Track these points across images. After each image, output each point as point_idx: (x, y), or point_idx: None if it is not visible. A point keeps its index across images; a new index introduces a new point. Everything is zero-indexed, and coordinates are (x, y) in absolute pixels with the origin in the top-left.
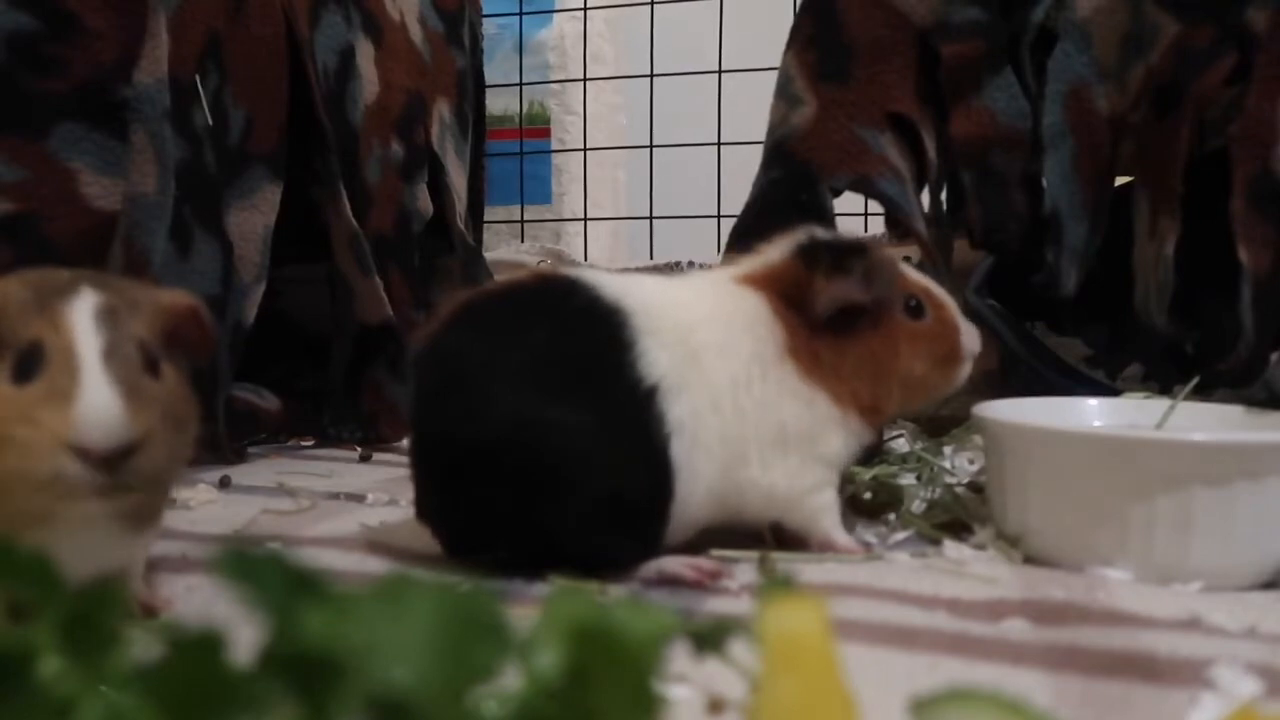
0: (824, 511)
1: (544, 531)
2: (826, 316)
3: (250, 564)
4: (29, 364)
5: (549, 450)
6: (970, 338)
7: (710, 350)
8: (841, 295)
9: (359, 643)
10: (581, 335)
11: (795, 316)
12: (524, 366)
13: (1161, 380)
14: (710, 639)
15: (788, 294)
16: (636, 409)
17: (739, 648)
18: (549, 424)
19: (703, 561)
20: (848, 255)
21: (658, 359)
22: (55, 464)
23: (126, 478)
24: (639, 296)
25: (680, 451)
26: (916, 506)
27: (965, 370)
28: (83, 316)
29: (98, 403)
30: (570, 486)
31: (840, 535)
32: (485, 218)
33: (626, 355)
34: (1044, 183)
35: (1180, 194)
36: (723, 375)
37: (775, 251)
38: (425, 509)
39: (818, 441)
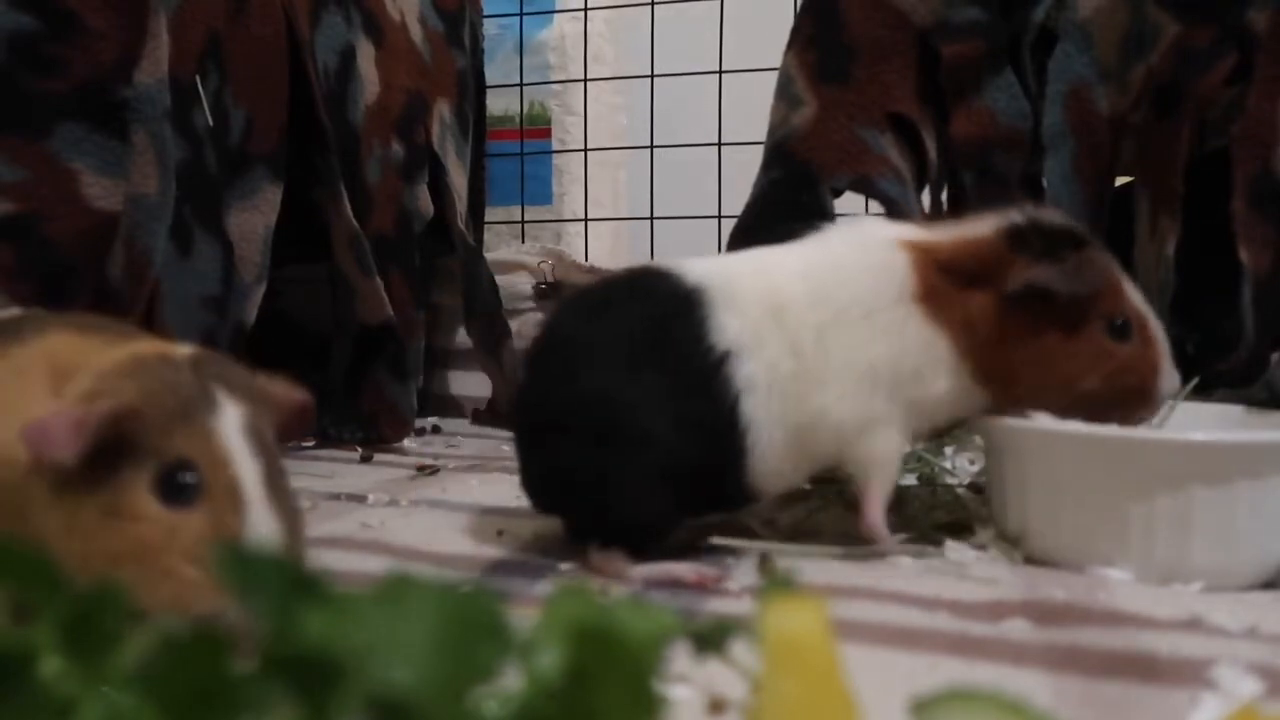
0: (882, 466)
1: (611, 494)
2: (1013, 296)
3: (250, 564)
4: (179, 485)
5: (617, 420)
6: (1169, 382)
7: (798, 301)
8: (1039, 280)
9: (359, 643)
10: (659, 316)
11: (941, 277)
12: (606, 346)
13: None
14: (711, 639)
15: (969, 270)
16: (706, 378)
17: (740, 648)
18: (619, 397)
19: (704, 567)
20: (1061, 244)
21: (728, 325)
22: (217, 607)
23: None
24: (722, 273)
25: (753, 407)
26: (918, 507)
27: (1152, 412)
28: (234, 435)
29: (265, 540)
30: (636, 453)
31: (879, 513)
32: (486, 218)
33: (699, 330)
34: (1044, 183)
35: (1180, 194)
36: (809, 321)
37: (977, 226)
38: (524, 479)
39: (913, 384)
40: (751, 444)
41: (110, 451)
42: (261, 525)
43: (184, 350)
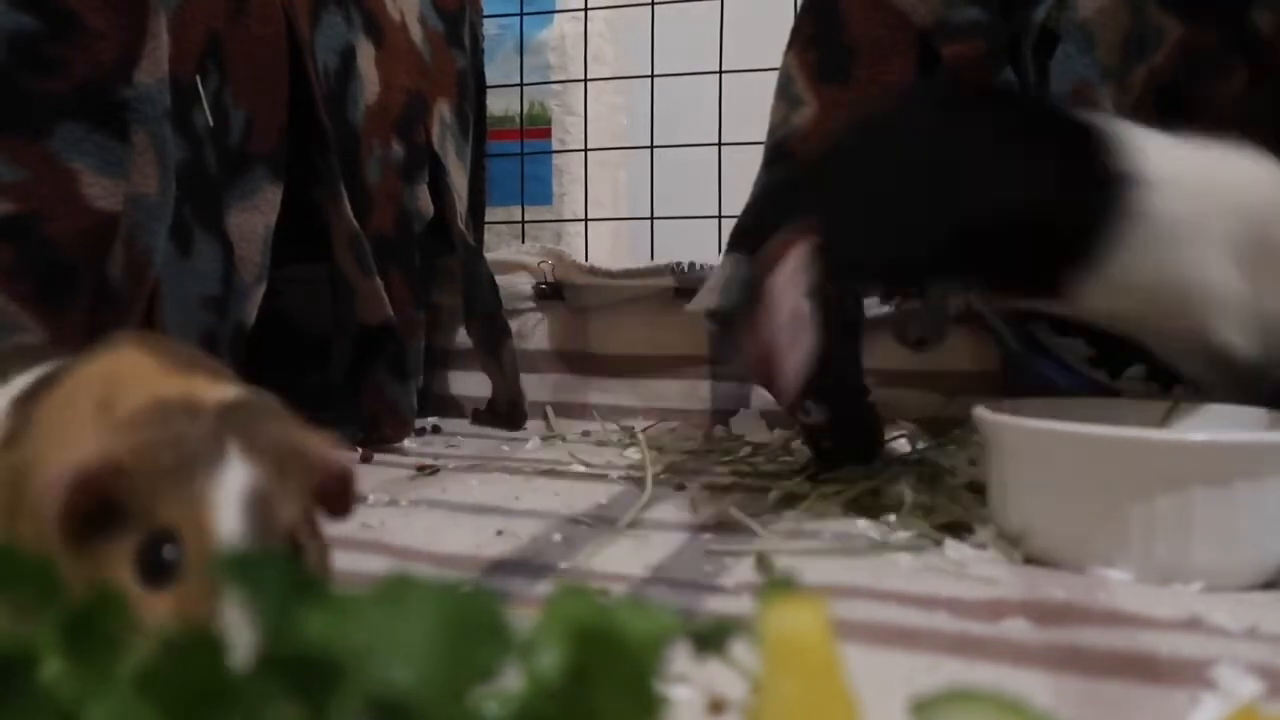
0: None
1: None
2: None
3: (250, 565)
4: (158, 560)
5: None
6: None
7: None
8: None
9: (358, 644)
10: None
11: None
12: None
13: (1164, 381)
14: (711, 640)
15: None
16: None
17: (740, 648)
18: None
19: None
20: None
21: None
22: None
23: None
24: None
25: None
26: (918, 508)
27: None
28: (229, 509)
29: (237, 642)
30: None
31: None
32: (486, 218)
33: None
34: None
35: None
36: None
37: None
38: None
39: None
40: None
41: (104, 513)
42: (235, 627)
43: (223, 394)
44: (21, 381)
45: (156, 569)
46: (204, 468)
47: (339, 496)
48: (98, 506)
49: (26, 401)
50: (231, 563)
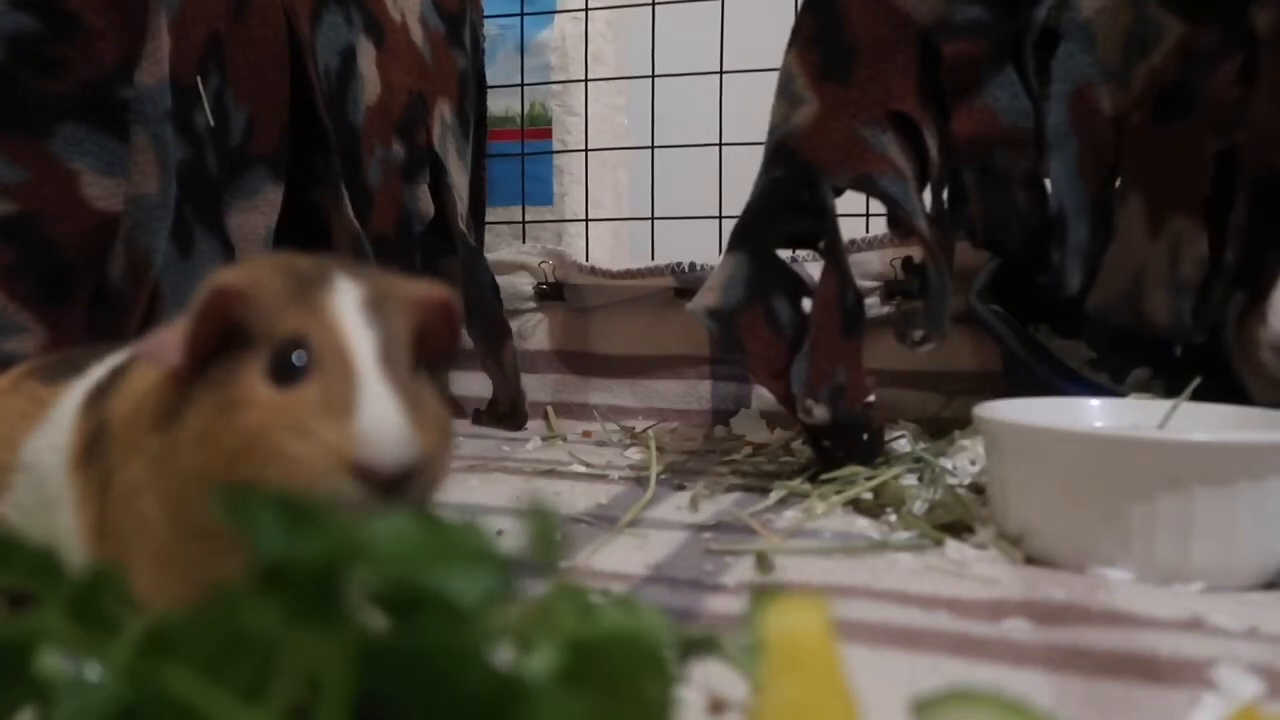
0: None
1: None
2: None
3: (246, 498)
4: (290, 364)
5: None
6: None
7: None
8: None
9: (360, 544)
10: None
11: None
12: None
13: (1167, 383)
14: (702, 646)
15: None
16: None
17: (739, 648)
18: None
19: None
20: None
21: None
22: (332, 485)
23: (402, 501)
24: None
25: None
26: (918, 508)
27: None
28: (349, 310)
29: (381, 417)
30: None
31: None
32: (487, 218)
33: None
34: (1048, 182)
35: (1205, 194)
36: None
37: None
38: None
39: None
40: None
41: (228, 347)
42: (374, 395)
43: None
44: None
45: (288, 373)
46: (316, 285)
47: (446, 332)
48: (221, 333)
49: None
50: (227, 497)
